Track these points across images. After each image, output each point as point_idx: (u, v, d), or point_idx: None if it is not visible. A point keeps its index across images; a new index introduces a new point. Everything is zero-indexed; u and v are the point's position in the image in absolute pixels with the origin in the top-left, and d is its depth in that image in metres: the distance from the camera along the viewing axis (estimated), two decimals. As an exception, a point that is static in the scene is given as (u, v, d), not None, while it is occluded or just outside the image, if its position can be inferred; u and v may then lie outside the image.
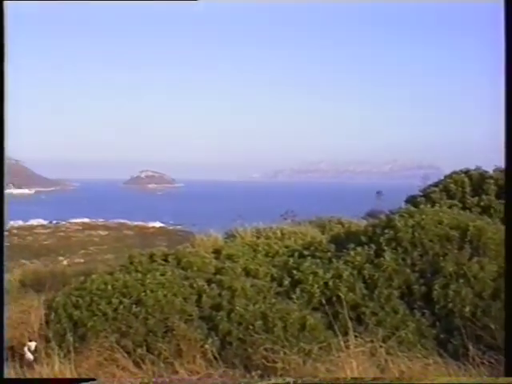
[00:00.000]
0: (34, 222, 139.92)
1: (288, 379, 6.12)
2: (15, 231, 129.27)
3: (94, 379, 7.17)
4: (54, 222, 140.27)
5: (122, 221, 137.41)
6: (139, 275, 8.78)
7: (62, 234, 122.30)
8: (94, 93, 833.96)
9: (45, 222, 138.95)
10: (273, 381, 6.21)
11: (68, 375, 7.29)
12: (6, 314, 6.75)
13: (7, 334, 8.89)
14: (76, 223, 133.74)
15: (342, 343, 6.53)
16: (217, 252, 9.95)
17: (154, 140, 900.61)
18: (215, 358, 7.22)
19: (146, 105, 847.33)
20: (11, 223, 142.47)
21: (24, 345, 8.33)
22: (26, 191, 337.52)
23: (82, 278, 9.45)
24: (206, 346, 7.31)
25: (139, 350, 7.54)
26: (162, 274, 8.68)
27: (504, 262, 6.79)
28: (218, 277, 8.67)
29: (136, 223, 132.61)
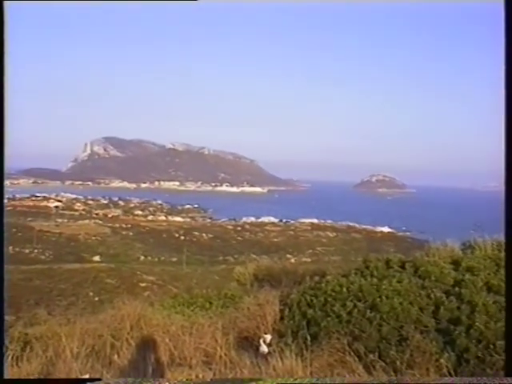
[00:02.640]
0: (265, 219, 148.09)
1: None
2: (247, 227, 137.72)
3: (99, 379, 7.23)
4: (284, 220, 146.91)
5: (351, 223, 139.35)
6: (375, 280, 8.84)
7: (291, 232, 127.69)
8: (336, 99, 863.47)
9: (275, 220, 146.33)
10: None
11: (300, 372, 7.48)
12: (5, 313, 6.57)
13: (243, 324, 9.53)
14: (305, 223, 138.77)
15: None
16: (455, 263, 9.59)
17: (385, 144, 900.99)
18: (450, 373, 6.98)
19: (377, 108, 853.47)
20: (244, 219, 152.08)
21: (259, 337, 8.75)
22: (258, 190, 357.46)
23: (317, 278, 9.76)
24: (441, 361, 7.07)
25: (371, 356, 7.52)
26: (399, 282, 8.63)
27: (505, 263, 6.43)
28: (457, 289, 8.34)
29: (364, 226, 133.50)
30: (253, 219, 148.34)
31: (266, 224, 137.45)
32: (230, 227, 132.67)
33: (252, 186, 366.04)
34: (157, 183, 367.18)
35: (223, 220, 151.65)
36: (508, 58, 5.87)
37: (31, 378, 8.09)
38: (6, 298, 6.21)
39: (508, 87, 5.88)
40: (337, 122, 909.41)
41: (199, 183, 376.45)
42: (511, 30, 5.85)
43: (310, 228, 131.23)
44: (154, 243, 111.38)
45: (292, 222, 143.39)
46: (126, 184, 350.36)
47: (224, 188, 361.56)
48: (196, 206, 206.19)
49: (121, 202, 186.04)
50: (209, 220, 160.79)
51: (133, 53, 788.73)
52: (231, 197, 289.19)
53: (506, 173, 6.12)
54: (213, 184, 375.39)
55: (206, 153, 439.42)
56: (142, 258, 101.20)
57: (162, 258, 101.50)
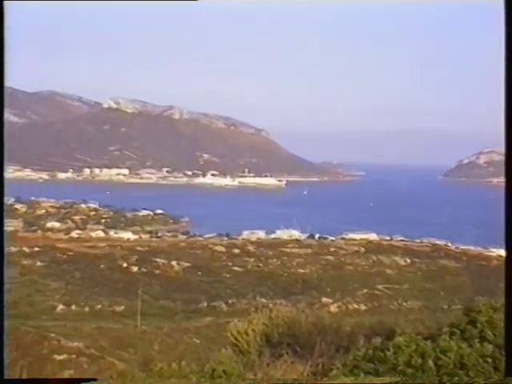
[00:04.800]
0: (282, 233, 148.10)
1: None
2: (251, 248, 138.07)
3: (95, 379, 8.86)
4: (317, 236, 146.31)
5: (439, 241, 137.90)
6: (489, 347, 8.76)
7: (329, 257, 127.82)
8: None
9: (302, 236, 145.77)
10: None
11: None
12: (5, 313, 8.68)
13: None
14: (355, 241, 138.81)
15: None
16: None
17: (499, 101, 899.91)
18: None
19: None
20: (245, 234, 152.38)
21: None
22: (271, 181, 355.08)
23: (379, 341, 9.65)
24: None
25: None
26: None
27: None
28: None
29: (464, 247, 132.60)
30: (261, 234, 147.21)
31: (284, 243, 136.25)
32: (221, 249, 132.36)
33: (259, 175, 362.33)
34: (87, 171, 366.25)
35: (208, 236, 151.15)
36: (508, 58, 8.52)
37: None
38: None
39: (508, 87, 8.44)
40: (405, 64, 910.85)
41: (164, 171, 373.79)
42: (511, 29, 8.52)
43: (363, 249, 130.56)
44: (82, 280, 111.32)
45: (331, 238, 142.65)
46: (28, 173, 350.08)
47: (209, 179, 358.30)
48: (160, 211, 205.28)
49: (19, 207, 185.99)
50: (183, 237, 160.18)
51: None
52: (222, 194, 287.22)
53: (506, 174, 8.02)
54: (189, 172, 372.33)
55: (177, 117, 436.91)
56: (61, 307, 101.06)
57: (98, 307, 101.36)
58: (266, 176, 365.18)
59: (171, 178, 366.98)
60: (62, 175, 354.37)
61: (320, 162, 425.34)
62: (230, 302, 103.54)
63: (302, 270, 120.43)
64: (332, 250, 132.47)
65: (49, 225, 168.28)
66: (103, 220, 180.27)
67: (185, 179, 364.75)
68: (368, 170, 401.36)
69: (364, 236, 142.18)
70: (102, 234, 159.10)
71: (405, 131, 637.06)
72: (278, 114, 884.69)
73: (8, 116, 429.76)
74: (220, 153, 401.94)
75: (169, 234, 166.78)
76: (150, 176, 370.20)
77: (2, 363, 9.35)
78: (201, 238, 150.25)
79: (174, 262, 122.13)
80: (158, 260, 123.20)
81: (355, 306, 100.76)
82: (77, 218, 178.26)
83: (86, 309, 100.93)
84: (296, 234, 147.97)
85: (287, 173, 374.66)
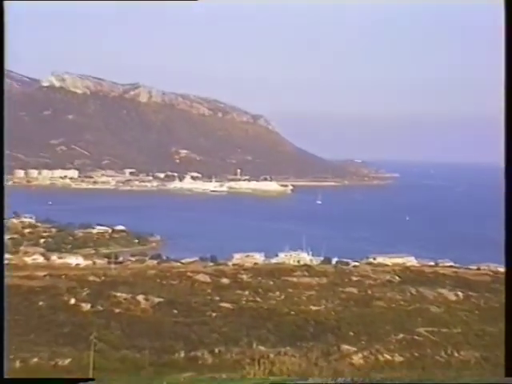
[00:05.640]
0: (288, 257, 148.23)
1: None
2: (245, 277, 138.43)
3: (92, 379, 26.25)
4: (335, 260, 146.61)
5: (499, 268, 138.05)
6: None
7: (350, 289, 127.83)
8: None
9: (314, 261, 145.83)
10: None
11: None
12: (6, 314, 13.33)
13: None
14: (385, 266, 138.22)
15: None
16: None
17: None
18: None
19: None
20: (236, 258, 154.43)
21: None
22: (272, 186, 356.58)
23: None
24: None
25: None
26: None
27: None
28: None
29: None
30: (259, 258, 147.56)
31: (290, 269, 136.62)
32: (205, 278, 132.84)
33: (255, 178, 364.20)
34: (20, 173, 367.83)
35: (187, 261, 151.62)
36: (508, 58, 22.65)
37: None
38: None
39: (508, 87, 24.89)
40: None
41: (127, 172, 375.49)
42: (511, 29, 22.28)
43: (398, 279, 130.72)
44: (14, 323, 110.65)
45: (354, 263, 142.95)
46: None
47: (188, 183, 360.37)
48: (121, 227, 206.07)
49: None
50: (153, 262, 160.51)
51: None
52: (206, 204, 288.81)
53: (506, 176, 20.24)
54: (161, 174, 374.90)
55: (145, 99, 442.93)
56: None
57: (35, 361, 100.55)
58: (266, 179, 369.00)
59: (136, 183, 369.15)
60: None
61: (338, 159, 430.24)
62: (216, 350, 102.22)
63: (314, 307, 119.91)
64: (355, 279, 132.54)
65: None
66: (43, 240, 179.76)
67: (155, 184, 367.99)
68: (404, 170, 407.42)
69: (399, 260, 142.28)
70: (40, 258, 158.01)
71: (456, 115, 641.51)
72: (280, 94, 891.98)
73: None
74: (203, 148, 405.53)
75: (133, 259, 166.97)
76: (107, 179, 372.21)
77: (1, 363, 16.63)
78: (177, 264, 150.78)
79: (140, 297, 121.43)
80: (118, 294, 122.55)
81: (387, 356, 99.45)
82: (5, 237, 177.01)
83: (17, 363, 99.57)
84: (306, 257, 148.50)
85: (294, 175, 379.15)
